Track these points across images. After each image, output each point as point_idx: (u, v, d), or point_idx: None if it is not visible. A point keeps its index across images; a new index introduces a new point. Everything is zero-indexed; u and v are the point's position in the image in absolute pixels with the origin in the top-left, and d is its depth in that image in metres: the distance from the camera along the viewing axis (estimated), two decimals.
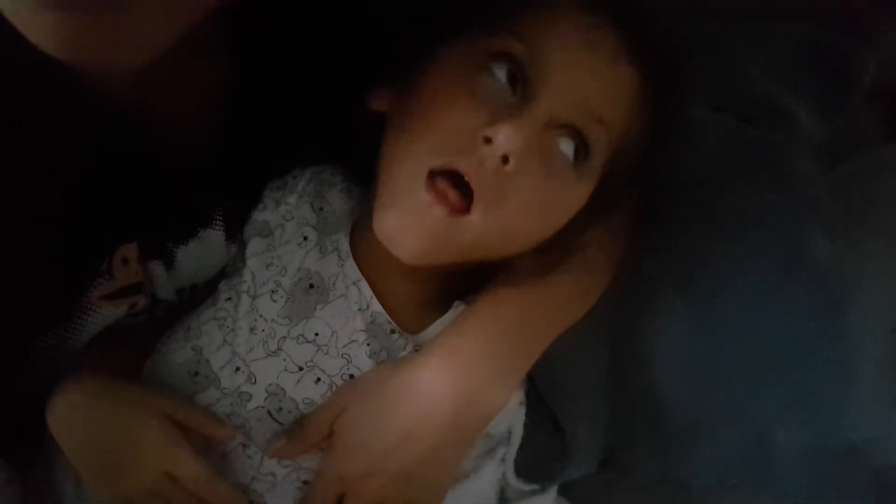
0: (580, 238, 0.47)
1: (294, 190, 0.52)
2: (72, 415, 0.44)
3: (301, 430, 0.46)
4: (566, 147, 0.43)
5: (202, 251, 0.50)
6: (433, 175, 0.42)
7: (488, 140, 0.41)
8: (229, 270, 0.52)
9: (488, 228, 0.43)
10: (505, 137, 0.40)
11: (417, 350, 0.49)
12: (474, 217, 0.42)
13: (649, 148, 0.48)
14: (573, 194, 0.45)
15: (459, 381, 0.45)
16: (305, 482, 0.47)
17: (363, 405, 0.46)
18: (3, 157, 0.41)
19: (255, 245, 0.50)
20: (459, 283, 0.50)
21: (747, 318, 0.51)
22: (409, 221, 0.43)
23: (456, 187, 0.42)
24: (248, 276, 0.49)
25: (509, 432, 0.52)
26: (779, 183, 0.54)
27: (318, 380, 0.47)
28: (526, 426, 0.52)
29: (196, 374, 0.47)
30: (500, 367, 0.47)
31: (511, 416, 0.51)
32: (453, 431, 0.45)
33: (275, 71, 0.48)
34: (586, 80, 0.43)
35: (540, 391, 0.52)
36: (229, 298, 0.49)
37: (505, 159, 0.41)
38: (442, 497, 0.47)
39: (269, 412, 0.47)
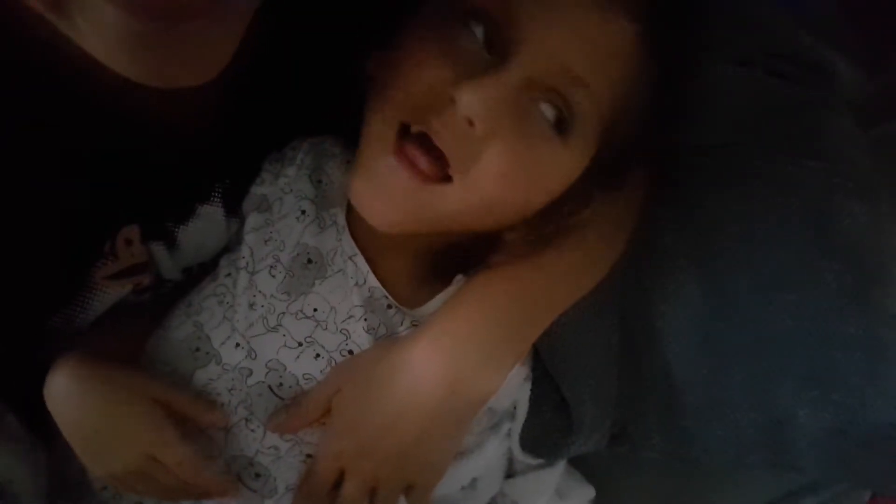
0: (582, 211, 0.45)
1: (293, 162, 0.51)
2: (63, 394, 0.45)
3: (299, 407, 0.46)
4: (547, 111, 0.40)
5: (202, 228, 0.50)
6: (403, 140, 0.41)
7: (454, 100, 0.39)
8: (231, 246, 0.52)
9: (465, 196, 0.41)
10: (469, 97, 0.38)
11: (416, 326, 0.48)
12: (451, 184, 0.40)
13: (658, 109, 0.44)
14: (561, 163, 0.42)
15: (449, 363, 0.44)
16: (309, 455, 0.48)
17: (356, 385, 0.45)
18: (6, 145, 0.41)
19: (253, 220, 0.50)
20: (461, 257, 0.48)
21: (768, 294, 0.48)
22: (380, 188, 0.42)
23: (427, 154, 0.40)
24: (247, 252, 0.49)
25: (514, 407, 0.51)
26: (813, 144, 0.49)
27: (318, 355, 0.47)
28: (531, 401, 0.51)
29: (197, 349, 0.48)
30: (492, 349, 0.45)
31: (516, 390, 0.50)
32: (444, 414, 0.44)
33: (269, 45, 0.46)
34: (567, 39, 0.39)
35: (546, 366, 0.50)
36: (228, 274, 0.50)
37: (471, 122, 0.39)
38: (439, 476, 0.47)
39: (269, 387, 0.47)
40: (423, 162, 0.41)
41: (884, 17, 0.47)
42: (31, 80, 0.40)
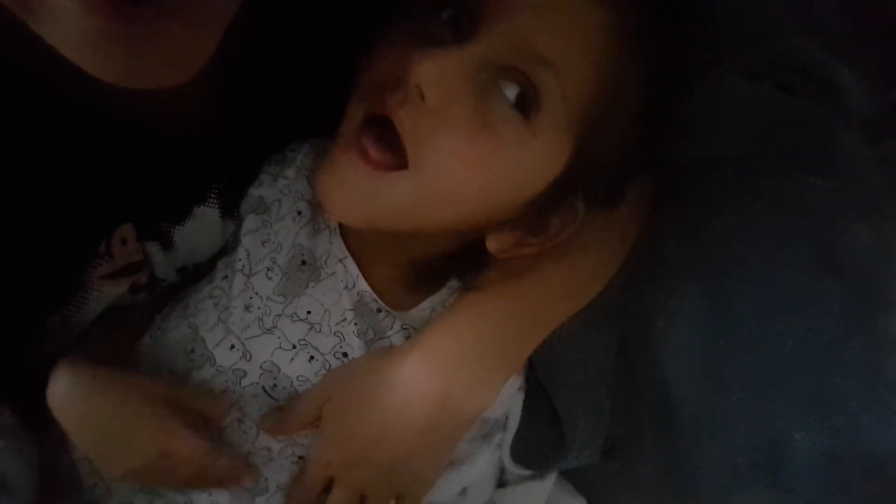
0: (569, 226, 0.44)
1: (293, 163, 0.51)
2: (68, 400, 0.44)
3: (290, 412, 0.46)
4: (508, 91, 0.39)
5: (198, 229, 0.49)
6: (364, 130, 0.40)
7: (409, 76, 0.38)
8: (228, 248, 0.52)
9: (421, 183, 0.40)
10: (420, 67, 0.37)
11: (405, 329, 0.48)
12: (406, 171, 0.40)
13: (655, 121, 0.43)
14: (527, 150, 0.40)
15: (439, 380, 0.44)
16: (301, 457, 0.48)
17: (346, 395, 0.45)
18: (1, 145, 0.41)
19: (250, 222, 0.50)
20: (453, 265, 0.48)
21: (771, 314, 0.47)
22: (337, 179, 0.42)
23: (380, 142, 0.40)
24: (243, 254, 0.49)
25: (506, 417, 0.51)
26: (821, 162, 0.48)
27: (312, 358, 0.47)
28: (524, 412, 0.50)
29: (192, 351, 0.48)
30: (484, 367, 0.45)
31: (508, 401, 0.50)
32: (433, 429, 0.44)
33: (262, 45, 0.46)
34: (532, 19, 0.38)
35: (540, 378, 0.50)
36: (225, 277, 0.50)
37: (421, 93, 0.38)
38: (429, 487, 0.47)
39: (263, 388, 0.47)
40: (373, 150, 0.40)
41: (893, 31, 0.45)
42: (22, 77, 0.40)
